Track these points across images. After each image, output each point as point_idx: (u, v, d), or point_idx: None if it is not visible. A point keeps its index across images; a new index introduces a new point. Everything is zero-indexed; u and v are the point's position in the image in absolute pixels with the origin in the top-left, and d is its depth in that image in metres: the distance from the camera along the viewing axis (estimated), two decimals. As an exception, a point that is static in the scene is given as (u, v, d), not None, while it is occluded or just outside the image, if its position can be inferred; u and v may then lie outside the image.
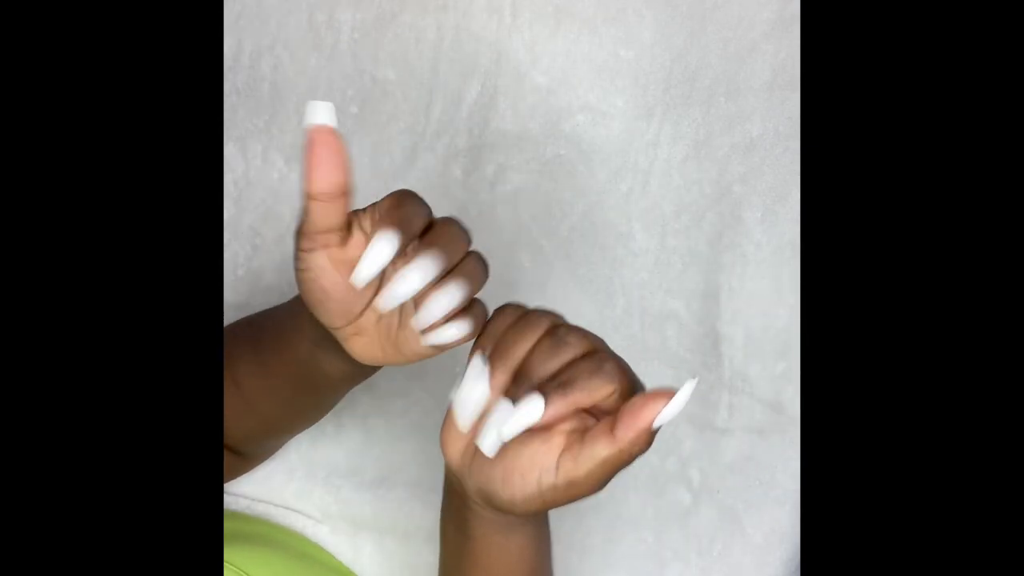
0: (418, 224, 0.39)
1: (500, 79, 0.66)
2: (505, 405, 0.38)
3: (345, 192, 0.38)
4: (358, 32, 0.65)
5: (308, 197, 0.37)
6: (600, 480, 0.38)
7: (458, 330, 0.40)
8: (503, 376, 0.39)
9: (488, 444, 0.38)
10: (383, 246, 0.37)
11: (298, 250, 0.39)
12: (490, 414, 0.38)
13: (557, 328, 0.39)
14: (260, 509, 0.66)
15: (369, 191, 0.66)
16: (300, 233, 0.39)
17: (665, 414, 0.36)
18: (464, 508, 0.43)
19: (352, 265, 0.39)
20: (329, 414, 0.66)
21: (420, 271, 0.38)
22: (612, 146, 0.68)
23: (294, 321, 0.48)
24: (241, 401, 0.51)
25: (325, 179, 0.37)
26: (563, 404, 0.37)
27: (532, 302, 0.70)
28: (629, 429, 0.37)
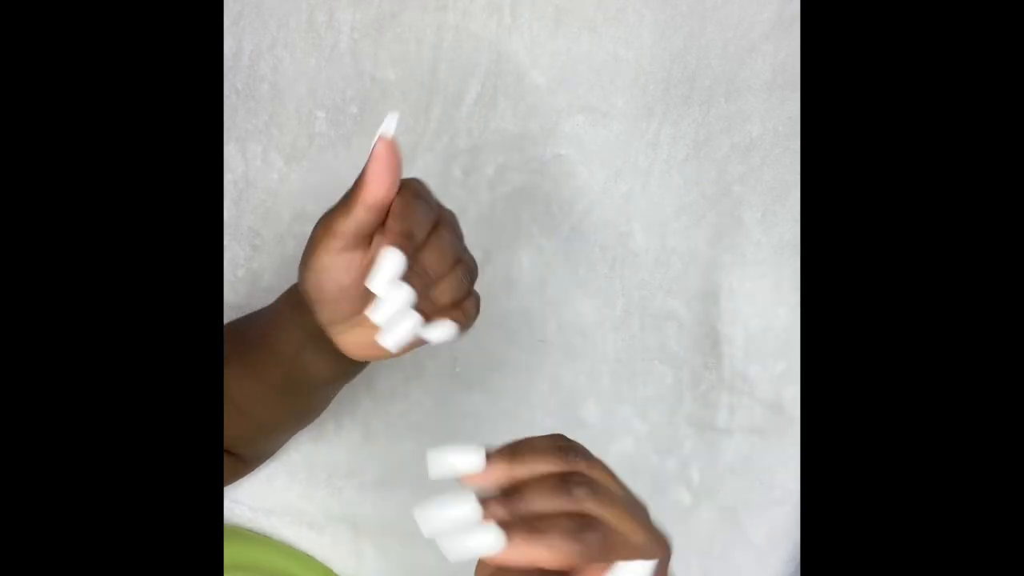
0: (421, 234, 0.40)
1: (500, 79, 0.66)
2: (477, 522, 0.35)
3: (386, 207, 0.40)
4: (358, 32, 0.65)
5: (361, 203, 0.40)
6: None
7: (438, 333, 0.41)
8: (495, 502, 0.36)
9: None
10: (391, 263, 0.39)
11: (321, 249, 0.41)
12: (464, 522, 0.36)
13: (573, 476, 0.37)
14: (262, 522, 0.66)
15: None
16: (330, 231, 0.41)
17: None
18: None
19: (367, 266, 0.40)
20: (329, 415, 0.66)
21: (405, 295, 0.40)
22: (612, 146, 0.68)
23: (279, 323, 0.48)
24: (231, 405, 0.51)
25: (381, 193, 0.40)
26: (520, 551, 0.34)
27: (532, 302, 0.70)
28: None
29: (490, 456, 0.37)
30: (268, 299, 0.66)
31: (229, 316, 0.65)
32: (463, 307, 0.42)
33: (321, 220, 0.42)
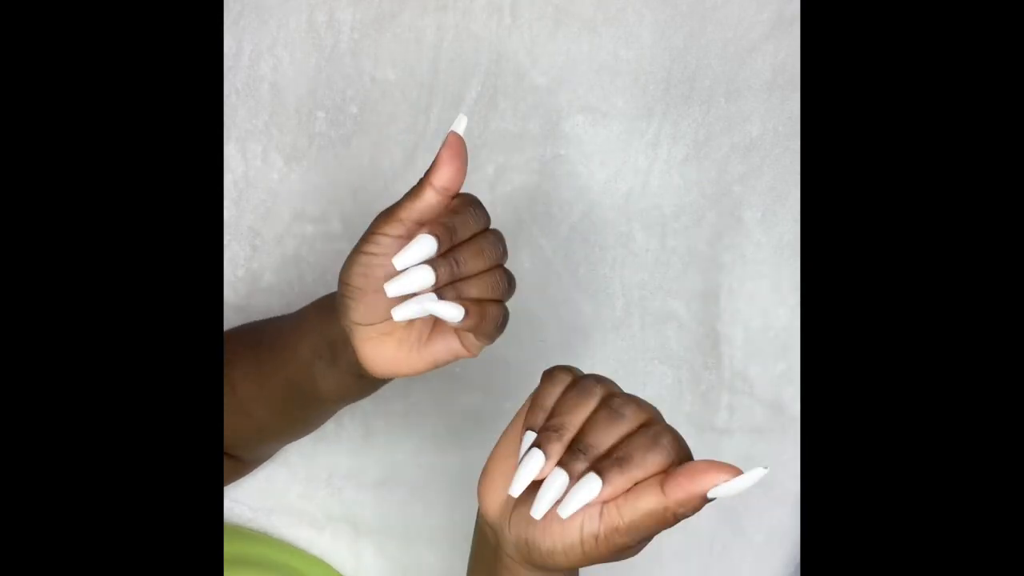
0: (464, 233, 0.41)
1: (500, 79, 0.66)
2: (560, 478, 0.37)
3: (451, 195, 0.42)
4: (358, 32, 0.65)
5: (428, 185, 0.41)
6: (641, 533, 0.38)
7: (446, 311, 0.40)
8: (557, 449, 0.38)
9: (540, 512, 0.37)
10: (421, 245, 0.40)
11: (380, 234, 0.42)
12: (544, 484, 0.37)
13: (611, 399, 0.39)
14: (262, 521, 0.66)
15: (369, 191, 0.66)
16: (393, 217, 0.42)
17: (723, 489, 0.36)
18: (497, 563, 0.42)
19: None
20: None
21: (424, 276, 0.40)
22: (612, 146, 0.68)
23: (301, 327, 0.48)
24: (236, 404, 0.51)
25: (450, 177, 0.41)
26: (621, 481, 0.37)
27: (532, 302, 0.70)
28: (680, 489, 0.37)
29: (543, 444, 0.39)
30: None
31: (229, 316, 0.65)
32: (488, 309, 0.42)
33: (381, 213, 0.43)
